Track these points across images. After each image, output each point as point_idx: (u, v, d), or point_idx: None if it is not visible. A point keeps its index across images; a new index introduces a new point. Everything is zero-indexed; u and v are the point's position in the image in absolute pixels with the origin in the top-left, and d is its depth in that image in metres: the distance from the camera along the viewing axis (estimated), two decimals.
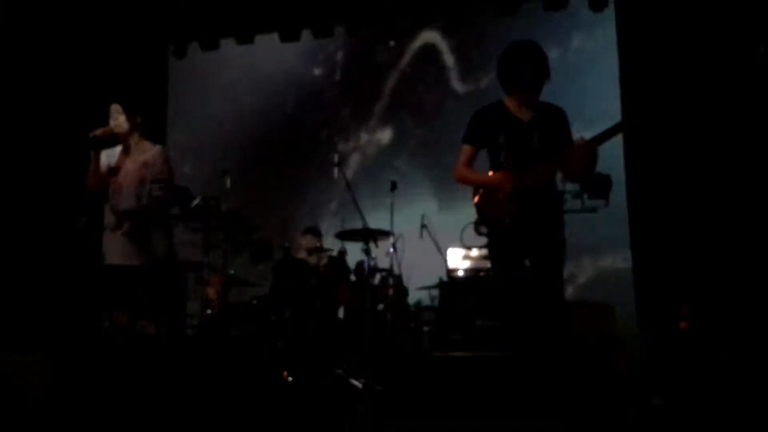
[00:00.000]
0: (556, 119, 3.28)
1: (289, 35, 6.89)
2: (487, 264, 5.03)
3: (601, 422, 3.36)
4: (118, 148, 3.85)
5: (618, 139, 3.42)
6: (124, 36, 6.67)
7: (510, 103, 3.30)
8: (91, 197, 3.87)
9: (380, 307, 5.21)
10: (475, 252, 5.17)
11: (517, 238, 3.22)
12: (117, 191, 3.78)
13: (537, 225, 3.21)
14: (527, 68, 3.18)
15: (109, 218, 3.83)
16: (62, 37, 6.37)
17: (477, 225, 5.54)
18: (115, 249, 3.76)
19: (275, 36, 6.91)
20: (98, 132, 3.67)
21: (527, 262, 3.22)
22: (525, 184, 3.19)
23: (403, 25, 6.64)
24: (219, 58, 7.10)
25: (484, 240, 5.40)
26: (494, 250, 3.39)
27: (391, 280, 5.35)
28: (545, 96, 3.33)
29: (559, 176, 3.41)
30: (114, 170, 3.79)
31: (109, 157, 3.82)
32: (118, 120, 3.75)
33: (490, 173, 3.30)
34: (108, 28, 6.57)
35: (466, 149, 3.36)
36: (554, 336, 3.14)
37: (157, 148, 3.89)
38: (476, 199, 3.36)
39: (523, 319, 3.18)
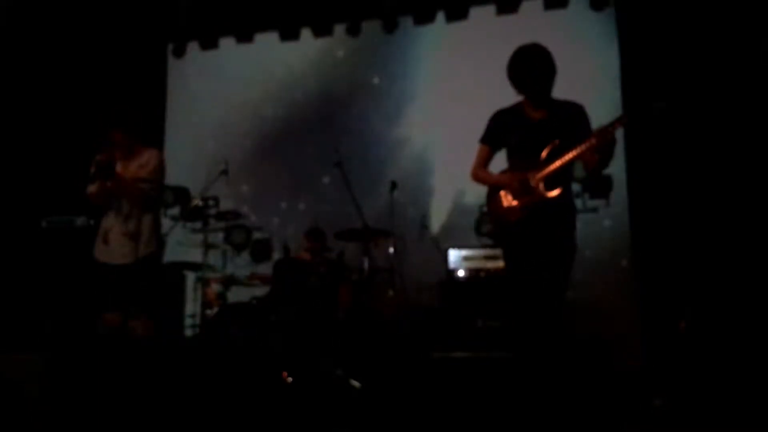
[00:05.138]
0: (571, 115, 3.27)
1: (288, 34, 6.89)
2: (488, 264, 5.03)
3: (602, 422, 3.36)
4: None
5: (618, 139, 3.40)
6: (124, 35, 6.67)
7: (525, 104, 3.34)
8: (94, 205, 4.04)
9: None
10: (474, 252, 5.16)
11: (524, 239, 3.23)
12: (118, 195, 3.92)
13: (548, 226, 3.21)
14: (532, 67, 3.23)
15: (108, 221, 3.96)
16: (62, 36, 6.37)
17: (478, 225, 5.56)
18: (114, 250, 3.89)
19: (275, 35, 6.91)
20: (102, 158, 3.78)
21: (536, 263, 3.20)
22: (539, 181, 3.20)
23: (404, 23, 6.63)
24: (219, 57, 7.08)
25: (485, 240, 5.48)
26: (503, 250, 3.43)
27: (391, 281, 5.34)
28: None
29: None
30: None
31: None
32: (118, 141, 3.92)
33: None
34: (107, 26, 6.57)
35: (482, 149, 3.45)
36: (551, 337, 3.14)
37: (153, 150, 4.08)
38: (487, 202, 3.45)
39: (525, 320, 3.18)
